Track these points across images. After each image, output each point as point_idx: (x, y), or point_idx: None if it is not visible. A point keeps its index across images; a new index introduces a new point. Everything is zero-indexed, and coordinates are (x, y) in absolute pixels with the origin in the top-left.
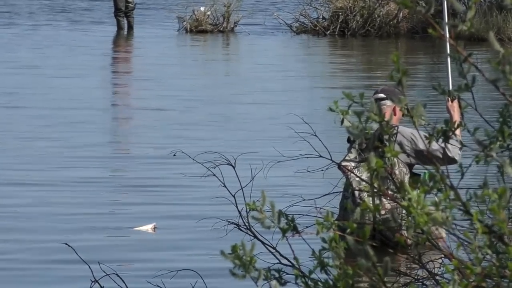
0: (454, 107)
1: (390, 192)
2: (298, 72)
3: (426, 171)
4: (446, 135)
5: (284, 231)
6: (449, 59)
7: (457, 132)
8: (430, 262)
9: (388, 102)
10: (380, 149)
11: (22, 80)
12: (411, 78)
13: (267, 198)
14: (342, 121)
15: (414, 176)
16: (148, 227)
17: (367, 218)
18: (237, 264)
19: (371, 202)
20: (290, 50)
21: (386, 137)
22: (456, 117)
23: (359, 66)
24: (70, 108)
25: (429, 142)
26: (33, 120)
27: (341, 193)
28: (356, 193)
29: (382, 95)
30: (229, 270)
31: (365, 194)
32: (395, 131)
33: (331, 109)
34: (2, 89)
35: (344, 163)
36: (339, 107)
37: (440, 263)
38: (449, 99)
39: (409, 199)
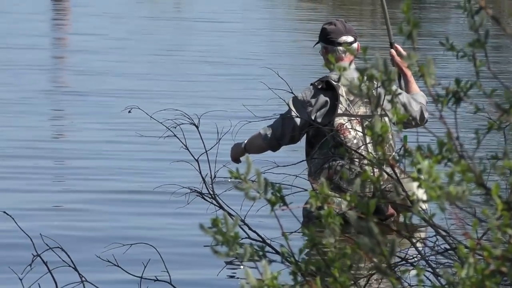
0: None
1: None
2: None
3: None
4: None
5: (272, 204)
6: (385, 5)
7: (417, 87)
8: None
9: (355, 45)
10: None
11: None
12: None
13: (252, 164)
14: (339, 79)
15: None
16: None
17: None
18: (220, 241)
19: (371, 172)
20: None
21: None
22: (408, 71)
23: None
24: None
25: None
26: None
27: (318, 158)
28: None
29: (352, 38)
30: (211, 247)
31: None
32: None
33: (326, 66)
34: None
35: (338, 120)
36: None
37: (434, 242)
38: (395, 52)
39: (419, 170)
